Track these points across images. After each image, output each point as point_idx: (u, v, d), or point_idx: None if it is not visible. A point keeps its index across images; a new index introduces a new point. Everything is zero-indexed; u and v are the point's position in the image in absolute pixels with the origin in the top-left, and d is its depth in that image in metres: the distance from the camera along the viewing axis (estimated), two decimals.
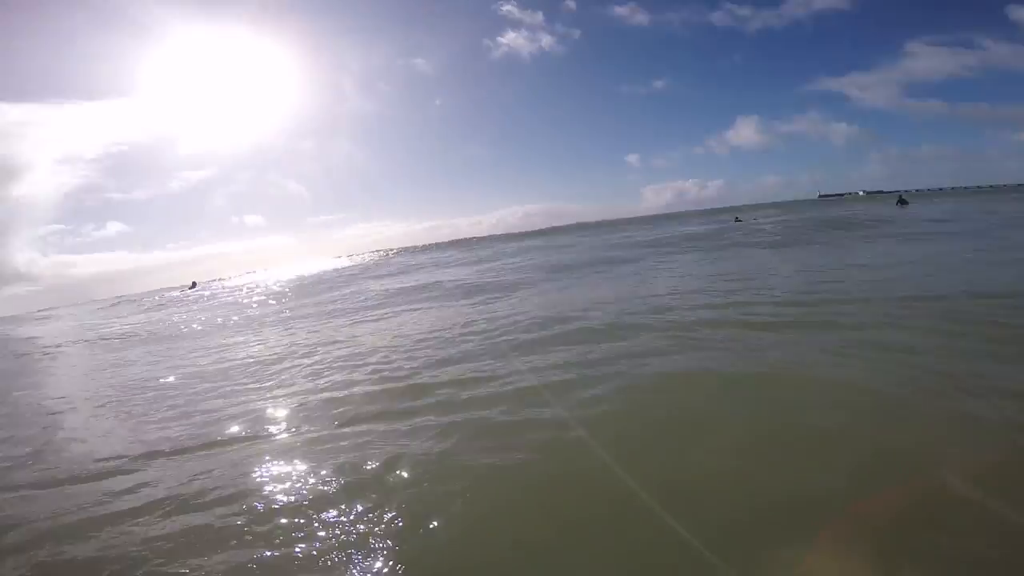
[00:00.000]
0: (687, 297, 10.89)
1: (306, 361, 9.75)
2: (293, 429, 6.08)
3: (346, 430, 5.71)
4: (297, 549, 3.58)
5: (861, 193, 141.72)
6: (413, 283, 23.72)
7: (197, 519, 4.16)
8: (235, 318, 21.26)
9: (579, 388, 5.91)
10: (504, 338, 9.10)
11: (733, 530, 3.23)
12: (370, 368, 8.36)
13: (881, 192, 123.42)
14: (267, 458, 5.24)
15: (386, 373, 7.91)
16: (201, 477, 4.96)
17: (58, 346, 20.68)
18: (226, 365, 10.66)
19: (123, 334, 21.55)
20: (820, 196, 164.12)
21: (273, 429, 6.20)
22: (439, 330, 10.82)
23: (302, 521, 3.92)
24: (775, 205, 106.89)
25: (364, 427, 5.73)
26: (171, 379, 10.14)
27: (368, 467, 4.64)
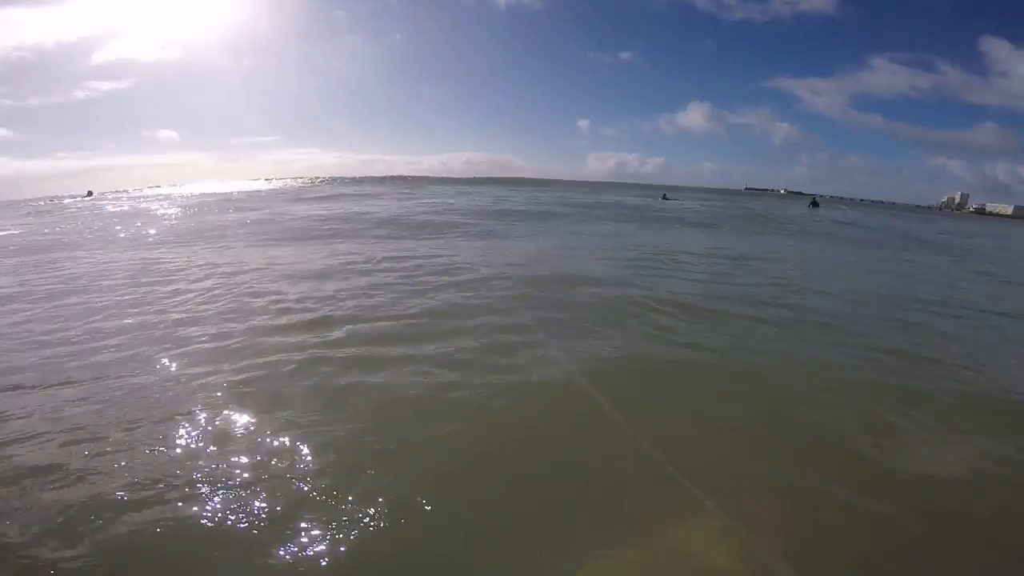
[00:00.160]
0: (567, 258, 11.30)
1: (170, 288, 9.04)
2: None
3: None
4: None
5: (783, 191, 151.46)
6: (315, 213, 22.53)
7: None
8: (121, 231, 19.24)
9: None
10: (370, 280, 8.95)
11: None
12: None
13: (800, 193, 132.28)
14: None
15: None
16: None
17: None
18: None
19: None
20: (747, 188, 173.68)
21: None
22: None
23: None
24: (705, 190, 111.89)
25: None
26: None
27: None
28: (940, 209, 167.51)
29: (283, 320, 6.59)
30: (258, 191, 46.93)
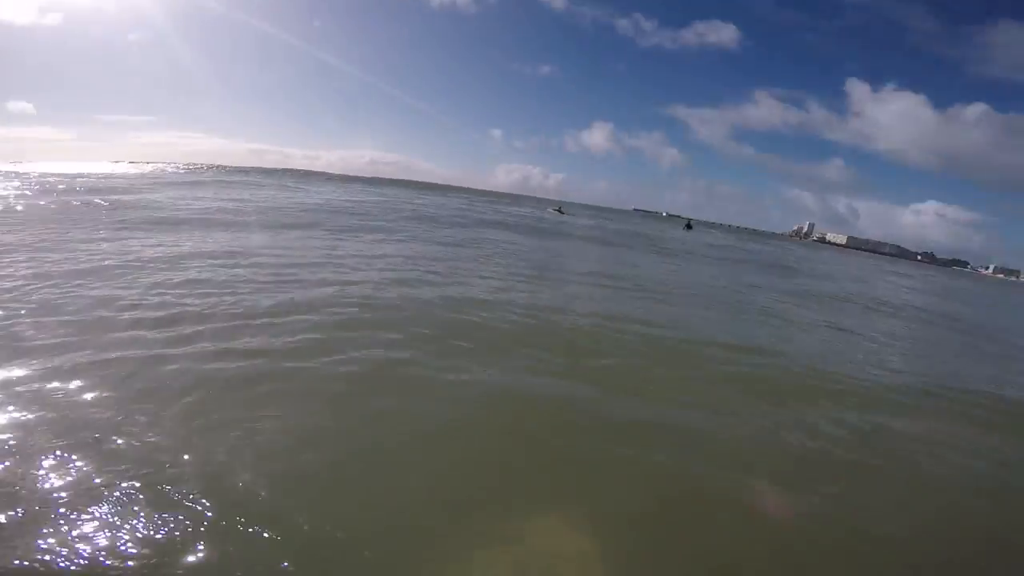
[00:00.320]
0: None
1: None
2: None
3: None
4: None
5: (664, 214, 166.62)
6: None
7: None
8: None
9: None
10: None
11: None
12: None
13: (679, 216, 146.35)
14: None
15: None
16: None
17: None
18: None
19: None
20: (635, 209, 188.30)
21: None
22: None
23: None
24: (598, 208, 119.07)
25: None
26: None
27: None
28: (791, 236, 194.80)
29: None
30: (110, 174, 41.23)
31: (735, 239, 58.89)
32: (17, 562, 2.53)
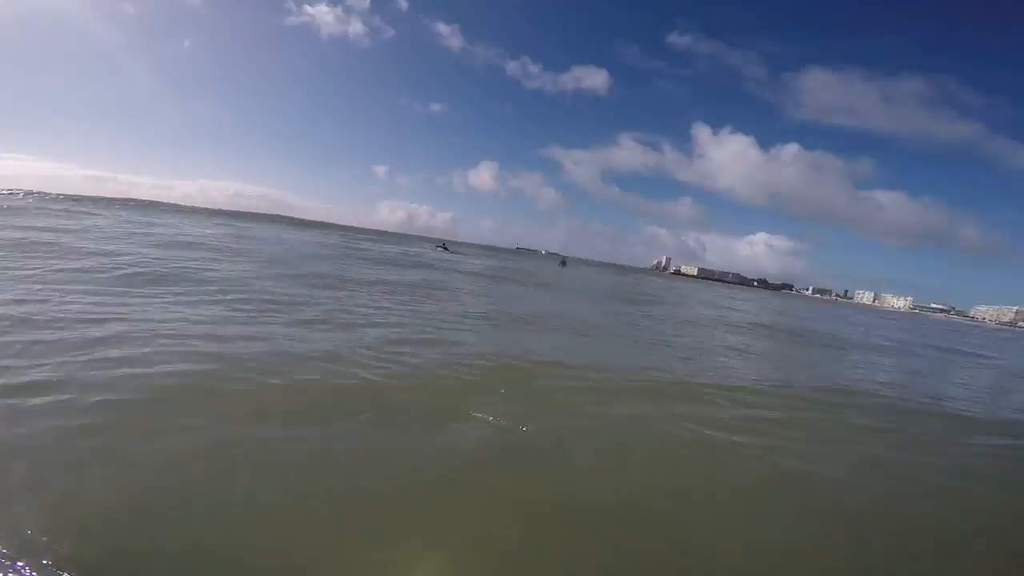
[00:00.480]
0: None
1: None
2: None
3: None
4: None
5: (543, 252, 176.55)
6: None
7: None
8: None
9: None
10: None
11: None
12: None
13: (556, 254, 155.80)
14: None
15: None
16: None
17: None
18: None
19: None
20: (517, 248, 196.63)
21: None
22: None
23: None
24: (484, 247, 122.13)
25: None
26: None
27: None
28: (652, 270, 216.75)
29: None
30: None
31: (606, 274, 63.76)
32: None
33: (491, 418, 5.40)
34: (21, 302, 7.74)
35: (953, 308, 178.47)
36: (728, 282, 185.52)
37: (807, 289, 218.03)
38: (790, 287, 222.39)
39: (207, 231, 29.22)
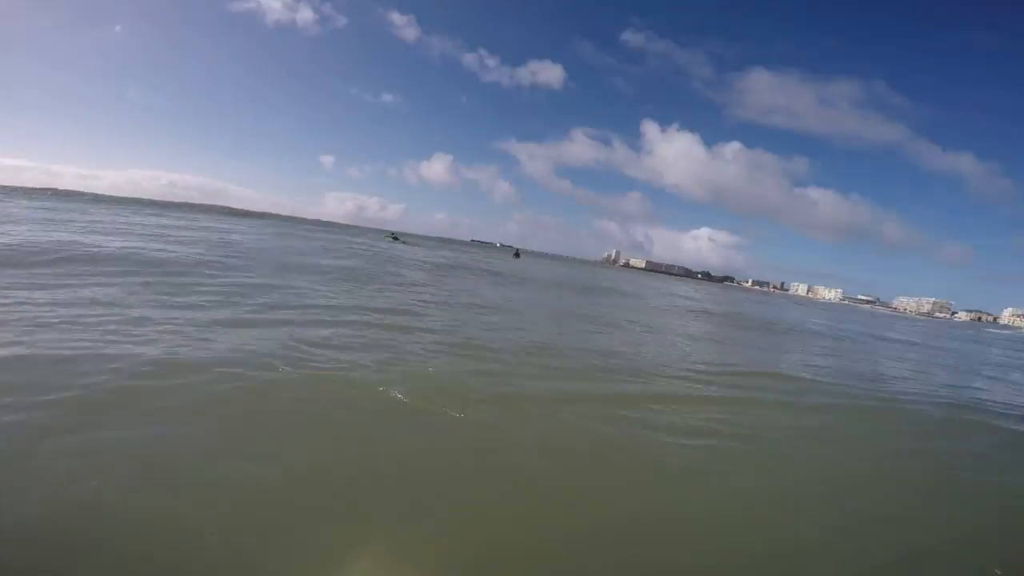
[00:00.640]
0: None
1: None
2: None
3: None
4: None
5: (498, 244, 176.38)
6: None
7: None
8: None
9: None
10: None
11: None
12: None
13: (511, 246, 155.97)
14: None
15: None
16: None
17: None
18: None
19: None
20: (472, 240, 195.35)
21: None
22: None
23: None
24: (439, 239, 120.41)
25: None
26: None
27: None
28: (603, 262, 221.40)
29: None
30: None
31: (560, 267, 64.13)
32: None
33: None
34: None
35: (878, 299, 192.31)
36: (674, 274, 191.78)
37: (747, 281, 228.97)
38: (731, 279, 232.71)
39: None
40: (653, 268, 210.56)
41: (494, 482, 4.07)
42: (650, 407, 6.38)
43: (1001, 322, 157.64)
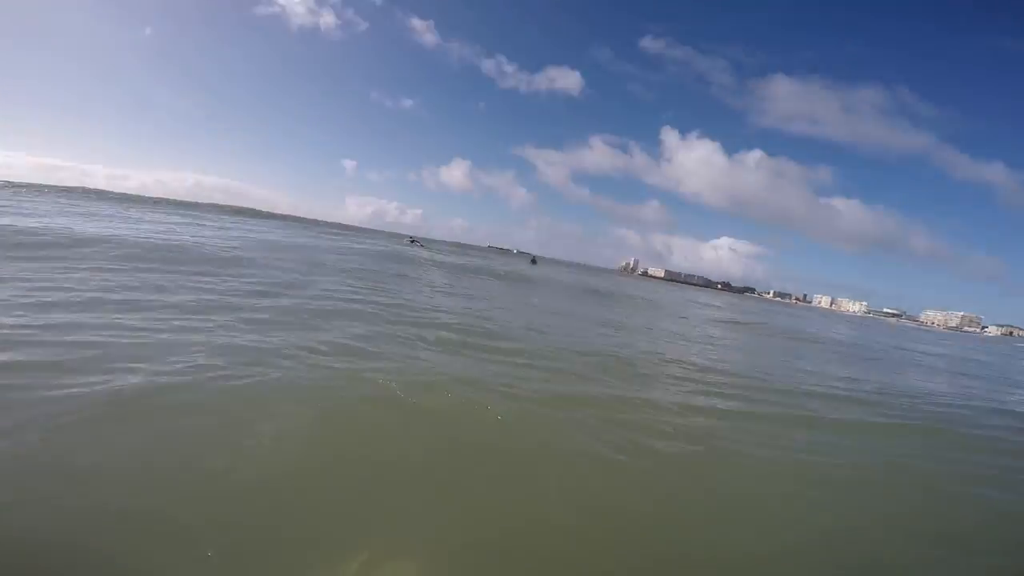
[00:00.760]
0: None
1: None
2: None
3: None
4: None
5: (515, 251, 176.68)
6: None
7: None
8: None
9: None
10: None
11: None
12: None
13: (527, 253, 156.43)
14: None
15: None
16: None
17: None
18: None
19: None
20: (489, 246, 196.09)
21: None
22: None
23: None
24: (456, 244, 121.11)
25: None
26: None
27: None
28: (621, 271, 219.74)
29: None
30: None
31: (577, 274, 63.83)
32: None
33: None
34: None
35: (904, 312, 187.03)
36: (694, 284, 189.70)
37: (768, 292, 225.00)
38: (752, 290, 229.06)
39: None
40: (672, 277, 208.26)
41: (500, 480, 4.04)
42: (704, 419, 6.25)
43: None
